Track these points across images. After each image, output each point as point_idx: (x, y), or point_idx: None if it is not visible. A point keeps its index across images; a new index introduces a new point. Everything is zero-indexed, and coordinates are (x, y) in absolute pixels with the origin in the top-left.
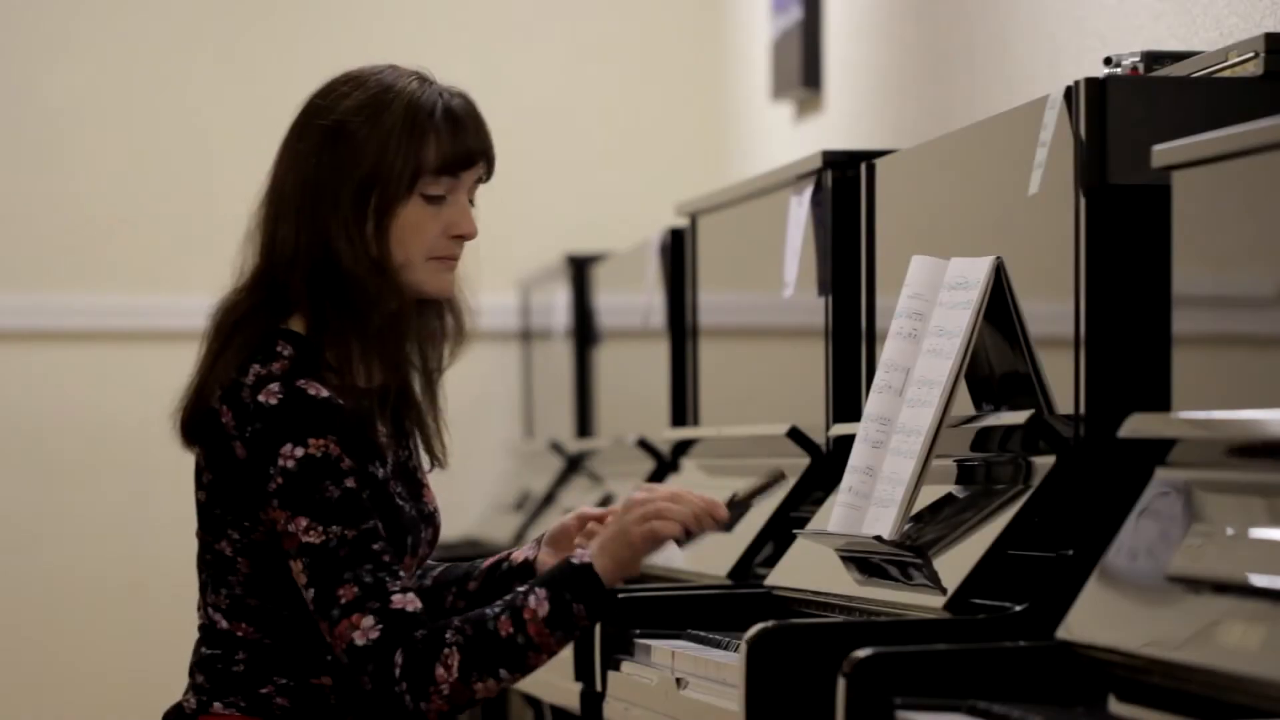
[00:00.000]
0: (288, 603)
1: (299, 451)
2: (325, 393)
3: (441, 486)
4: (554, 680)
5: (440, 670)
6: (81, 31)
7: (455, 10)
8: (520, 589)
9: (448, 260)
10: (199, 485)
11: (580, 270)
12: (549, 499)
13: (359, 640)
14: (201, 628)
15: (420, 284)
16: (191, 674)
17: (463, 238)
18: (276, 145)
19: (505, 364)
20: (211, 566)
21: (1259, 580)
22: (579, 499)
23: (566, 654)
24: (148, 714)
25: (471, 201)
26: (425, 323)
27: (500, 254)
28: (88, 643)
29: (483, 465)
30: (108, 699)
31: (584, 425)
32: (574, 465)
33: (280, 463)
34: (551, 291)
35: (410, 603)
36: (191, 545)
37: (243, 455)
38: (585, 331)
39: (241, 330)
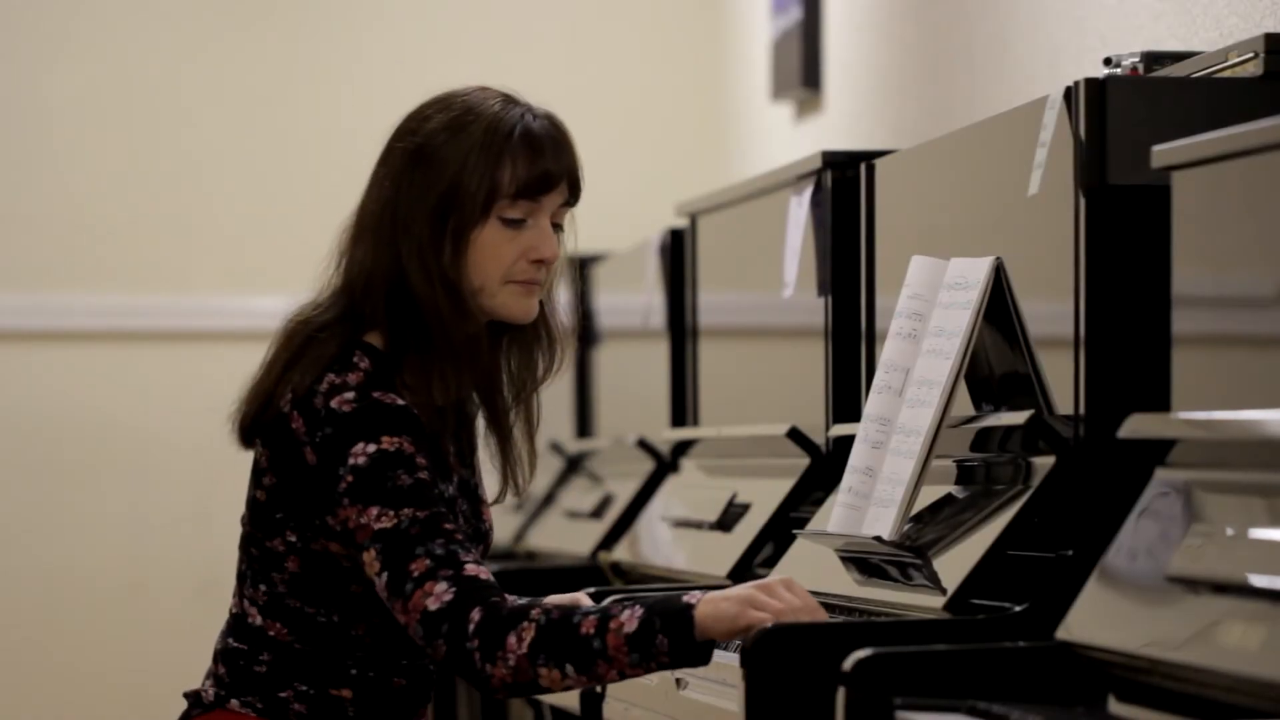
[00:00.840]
0: (326, 609)
1: (371, 448)
2: (401, 401)
3: None
4: None
5: (512, 639)
6: (81, 32)
7: (455, 10)
8: (622, 599)
9: (527, 285)
10: (257, 485)
11: (580, 270)
12: (549, 499)
13: (432, 605)
14: (233, 617)
15: (499, 308)
16: (215, 660)
17: (543, 262)
18: (276, 145)
19: None
20: (258, 560)
21: (1259, 580)
22: (579, 499)
23: None
24: (147, 713)
25: (560, 226)
26: (517, 346)
27: None
28: (88, 642)
29: (482, 465)
30: (108, 699)
31: (584, 425)
32: (574, 465)
33: (351, 461)
34: None
35: (483, 571)
36: (190, 544)
37: (313, 461)
38: (585, 331)
39: (317, 340)
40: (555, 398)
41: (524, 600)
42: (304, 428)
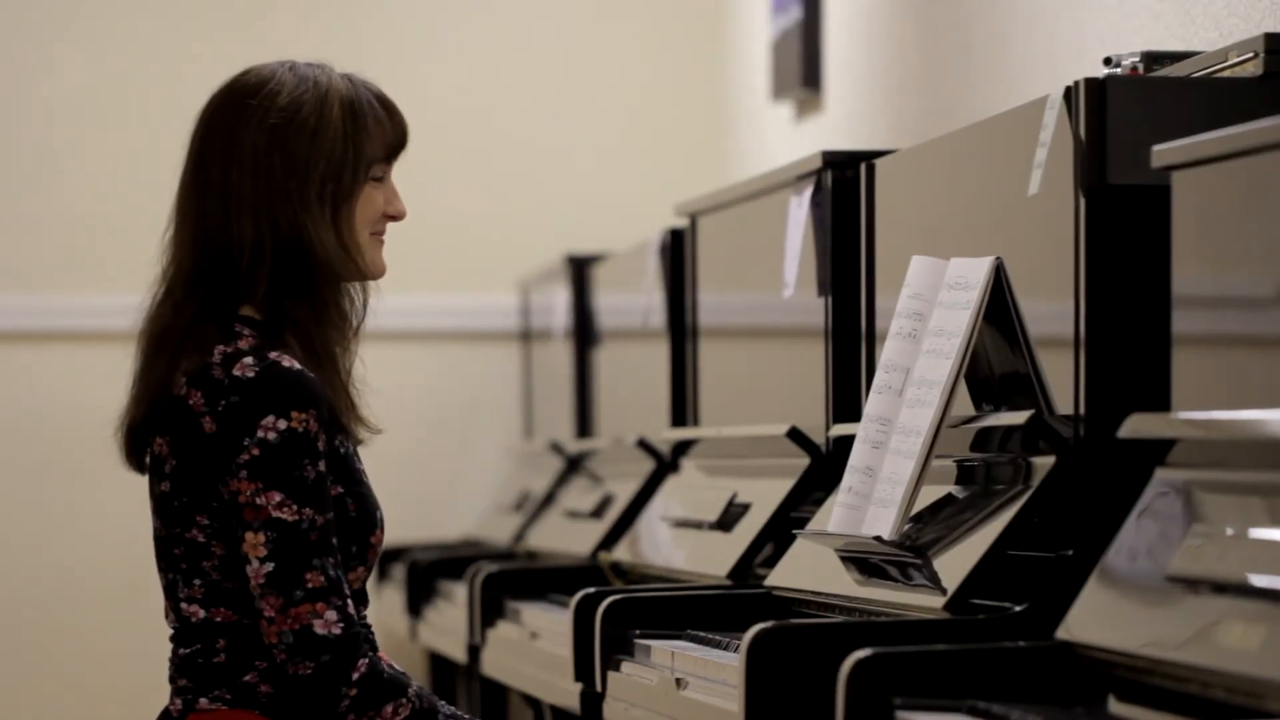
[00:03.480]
0: None
1: (281, 424)
2: (298, 365)
3: (441, 486)
4: (554, 680)
5: (389, 709)
6: (81, 32)
7: (454, 10)
8: None
9: (380, 238)
10: (160, 477)
11: (580, 270)
12: (549, 499)
13: (319, 629)
14: (176, 632)
15: (369, 265)
16: (173, 681)
17: (395, 217)
18: None
19: (505, 364)
20: (183, 559)
21: (1259, 580)
22: (579, 499)
23: (567, 654)
24: (147, 714)
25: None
26: (354, 304)
27: (500, 254)
28: (88, 642)
29: (482, 465)
30: (108, 699)
31: (584, 426)
32: (574, 466)
33: (260, 434)
34: (551, 292)
35: (363, 618)
36: None
37: (211, 429)
38: (585, 332)
39: (193, 327)
40: (555, 398)
41: (400, 671)
42: (203, 400)
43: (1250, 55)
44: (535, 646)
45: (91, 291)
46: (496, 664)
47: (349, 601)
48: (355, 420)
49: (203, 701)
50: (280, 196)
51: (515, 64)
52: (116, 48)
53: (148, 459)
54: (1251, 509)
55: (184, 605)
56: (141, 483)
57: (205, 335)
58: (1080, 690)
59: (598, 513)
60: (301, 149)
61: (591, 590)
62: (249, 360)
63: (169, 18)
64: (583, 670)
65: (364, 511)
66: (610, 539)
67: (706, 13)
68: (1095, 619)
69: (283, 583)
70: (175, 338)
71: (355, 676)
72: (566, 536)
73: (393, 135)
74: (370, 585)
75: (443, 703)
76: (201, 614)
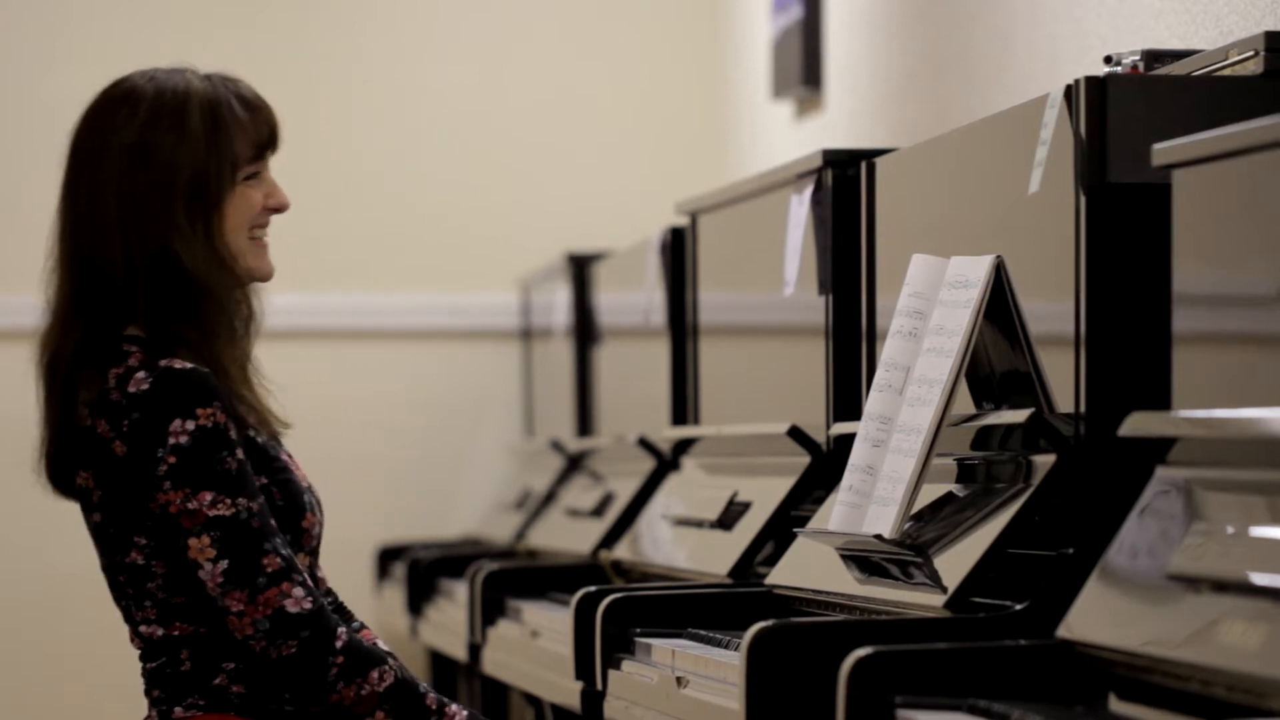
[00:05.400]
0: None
1: (190, 425)
2: (190, 364)
3: (442, 485)
4: (555, 679)
5: (375, 674)
6: (81, 31)
7: (455, 10)
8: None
9: (262, 238)
10: (92, 509)
11: (581, 269)
12: (550, 498)
13: (291, 608)
14: (141, 654)
15: (252, 270)
16: (147, 693)
17: (278, 209)
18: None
19: (505, 363)
20: (129, 584)
21: (1259, 579)
22: (579, 498)
23: (568, 653)
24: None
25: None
26: (243, 309)
27: (500, 253)
28: (88, 642)
29: (483, 464)
30: (108, 699)
31: (584, 424)
32: (574, 464)
33: (171, 440)
34: (552, 290)
35: (322, 590)
36: None
37: (123, 452)
38: (586, 330)
39: (82, 355)
40: (556, 396)
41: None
42: (108, 426)
43: (1251, 54)
44: (536, 645)
45: None
46: (497, 662)
47: (305, 575)
48: (265, 420)
49: (177, 711)
50: (146, 215)
51: (516, 63)
52: (116, 48)
53: (76, 492)
54: (1252, 507)
55: (142, 628)
56: None
57: (95, 360)
58: (1081, 689)
59: (598, 511)
60: (164, 162)
61: (592, 589)
62: (141, 375)
63: (169, 18)
64: (583, 669)
65: (290, 498)
66: (611, 537)
67: (707, 11)
68: (1096, 617)
69: (242, 575)
70: (65, 367)
71: (339, 645)
72: (567, 535)
73: (260, 132)
74: (370, 583)
75: (420, 682)
76: (160, 632)
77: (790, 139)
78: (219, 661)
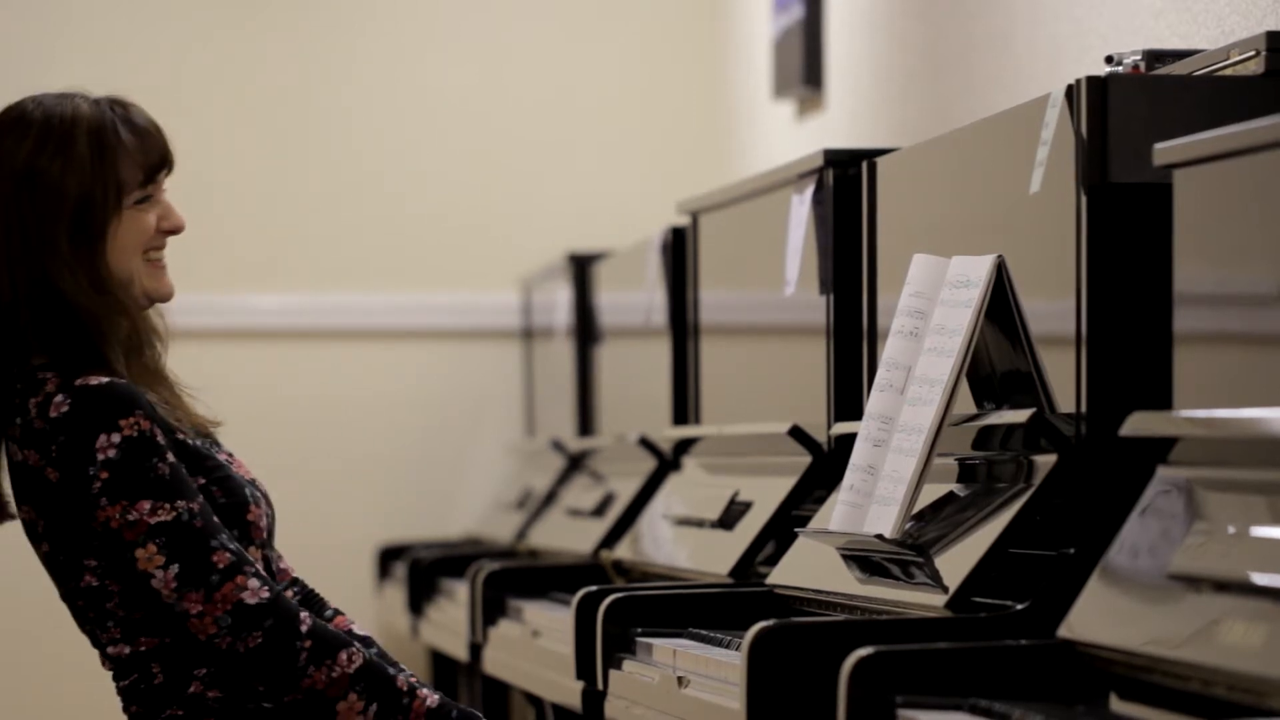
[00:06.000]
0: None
1: (115, 438)
2: (105, 377)
3: (443, 484)
4: (556, 679)
5: (344, 656)
6: (81, 31)
7: (454, 10)
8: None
9: (159, 260)
10: (39, 540)
11: (582, 269)
12: (550, 498)
13: (250, 600)
14: (113, 674)
15: (149, 292)
16: (125, 711)
17: (173, 230)
18: (276, 143)
19: (506, 362)
20: (89, 608)
21: (1260, 579)
22: (580, 498)
23: (569, 652)
24: None
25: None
26: (146, 326)
27: (501, 253)
28: (88, 643)
29: (484, 464)
30: (109, 699)
31: (585, 424)
32: (575, 464)
33: (100, 456)
34: (553, 290)
35: (287, 580)
36: None
37: (56, 478)
38: (587, 330)
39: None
40: (557, 396)
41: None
42: (37, 455)
43: (1252, 53)
44: (537, 645)
45: None
46: (498, 662)
47: (258, 567)
48: (194, 421)
49: None
50: (30, 243)
51: (516, 63)
52: (116, 47)
53: (23, 525)
54: (1253, 507)
55: (110, 649)
56: None
57: (12, 394)
58: (1082, 688)
59: (599, 511)
60: (50, 188)
61: (593, 588)
62: (59, 398)
63: (168, 18)
64: (584, 668)
65: (231, 493)
66: (612, 537)
67: (707, 11)
68: (1097, 617)
69: (195, 576)
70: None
71: (304, 629)
72: (568, 535)
73: (149, 156)
74: (371, 583)
75: (390, 666)
76: (127, 650)
77: (791, 139)
78: (190, 669)
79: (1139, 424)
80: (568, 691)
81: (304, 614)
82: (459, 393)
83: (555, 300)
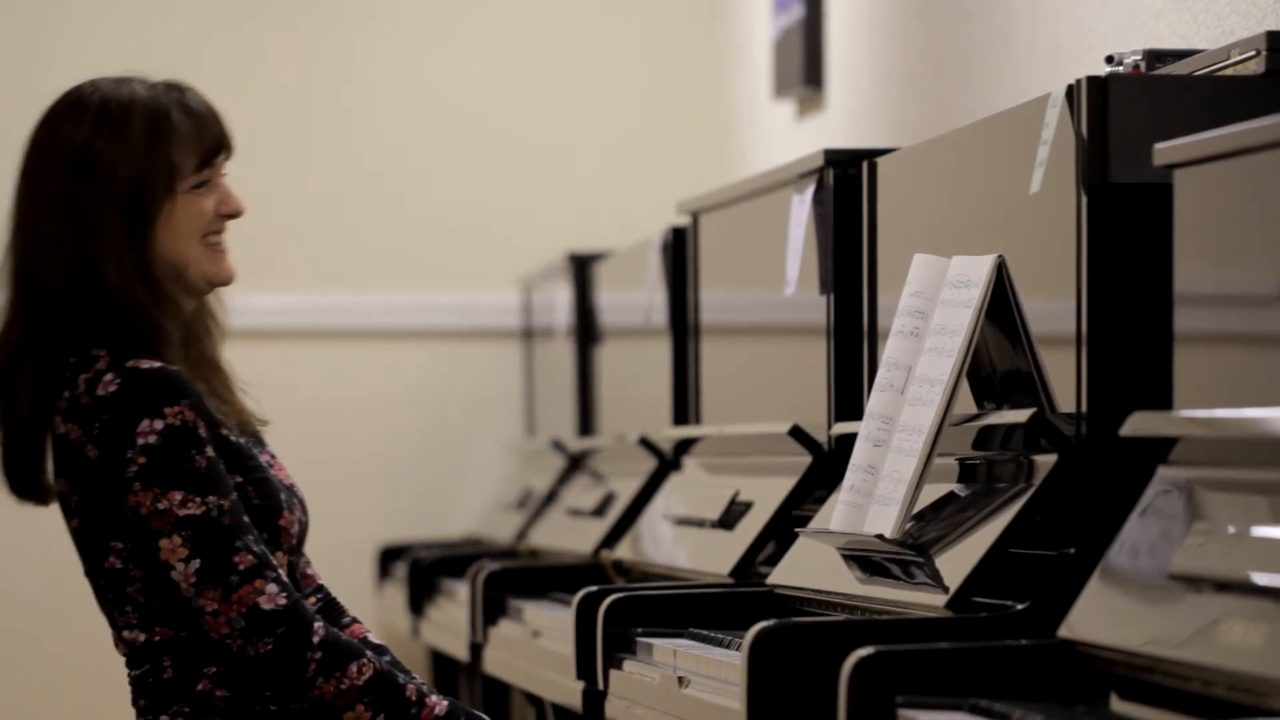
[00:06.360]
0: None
1: (158, 424)
2: (158, 363)
3: (443, 484)
4: (556, 679)
5: (354, 668)
6: (81, 31)
7: (455, 10)
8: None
9: (219, 244)
10: (70, 515)
11: (582, 269)
12: (551, 498)
13: (265, 605)
14: (126, 660)
15: (209, 276)
16: (134, 703)
17: (232, 215)
18: (276, 143)
19: (507, 362)
20: (110, 589)
21: (1261, 579)
22: (581, 498)
23: (569, 652)
24: None
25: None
26: (203, 313)
27: (502, 252)
28: (89, 643)
29: (484, 464)
30: (109, 699)
31: (585, 424)
32: (576, 464)
33: (140, 441)
34: (553, 290)
35: (313, 587)
36: None
37: (94, 455)
38: (587, 330)
39: (48, 370)
40: (557, 396)
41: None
42: (80, 430)
43: (1252, 53)
44: (537, 645)
45: None
46: (498, 662)
47: (281, 571)
48: (242, 419)
49: (163, 719)
50: (81, 235)
51: (517, 62)
52: (117, 47)
53: (57, 499)
54: (1253, 507)
55: (125, 633)
56: None
57: (64, 368)
58: (1082, 688)
59: (599, 511)
60: (104, 171)
61: (594, 588)
62: (109, 377)
63: (169, 17)
64: (585, 668)
65: (267, 496)
66: (612, 537)
67: (707, 11)
68: (1097, 617)
69: (215, 574)
70: (30, 380)
71: (316, 640)
72: (568, 535)
73: (205, 140)
74: (372, 583)
75: (399, 674)
76: (142, 638)
77: (791, 139)
78: (200, 666)
79: (1139, 424)
80: (568, 691)
81: (318, 624)
82: (459, 393)
83: (555, 300)
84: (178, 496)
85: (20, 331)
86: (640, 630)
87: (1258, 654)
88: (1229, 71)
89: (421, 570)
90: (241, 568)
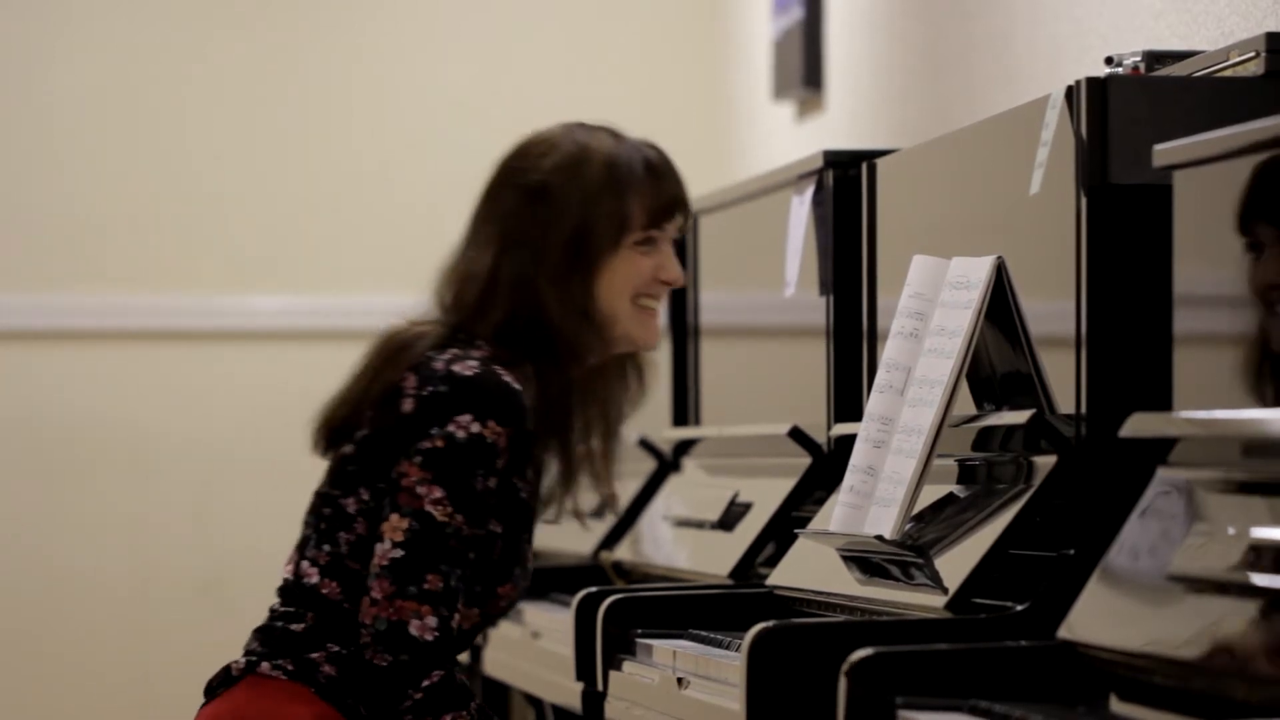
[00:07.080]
0: None
1: (474, 428)
2: (518, 385)
3: None
4: (556, 680)
5: (448, 718)
6: (81, 31)
7: (455, 11)
8: None
9: (651, 308)
10: (349, 441)
11: None
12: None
13: (414, 630)
14: (283, 586)
15: (628, 335)
16: (252, 638)
17: (669, 283)
18: (277, 144)
19: None
20: (328, 520)
21: (1260, 580)
22: (580, 498)
23: (569, 653)
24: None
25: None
26: (612, 377)
27: None
28: (89, 643)
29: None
30: (110, 699)
31: None
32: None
33: (450, 428)
34: None
35: (457, 626)
36: (191, 544)
37: (409, 410)
38: None
39: (431, 345)
40: None
41: (465, 683)
42: (415, 382)
43: (1252, 54)
44: (537, 646)
45: (91, 291)
46: (498, 663)
47: (455, 615)
48: (560, 496)
49: (264, 666)
50: (522, 256)
51: (516, 63)
52: (117, 47)
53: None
54: (1253, 508)
55: (305, 564)
56: (140, 483)
57: (445, 342)
58: (1082, 689)
59: (599, 512)
60: (557, 207)
61: (593, 589)
62: (473, 363)
63: (169, 17)
64: (584, 669)
65: (505, 560)
66: (612, 538)
67: (707, 12)
68: (1097, 618)
69: (402, 573)
70: (412, 354)
71: (426, 684)
72: (568, 536)
73: (659, 199)
74: None
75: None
76: (315, 579)
77: (791, 140)
78: (329, 639)
79: (1139, 425)
80: (568, 692)
81: (438, 673)
82: None
83: None
84: (438, 493)
85: (432, 330)
86: (640, 631)
87: (1257, 655)
88: (1229, 72)
89: None
90: (425, 586)
